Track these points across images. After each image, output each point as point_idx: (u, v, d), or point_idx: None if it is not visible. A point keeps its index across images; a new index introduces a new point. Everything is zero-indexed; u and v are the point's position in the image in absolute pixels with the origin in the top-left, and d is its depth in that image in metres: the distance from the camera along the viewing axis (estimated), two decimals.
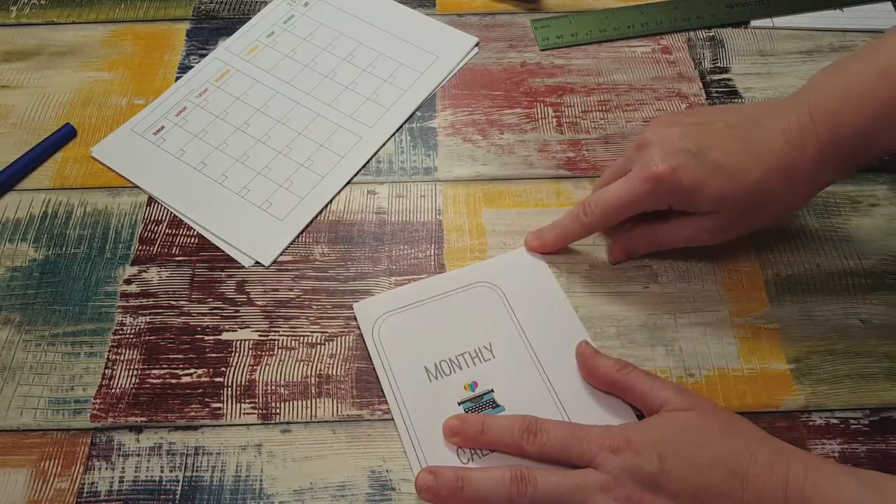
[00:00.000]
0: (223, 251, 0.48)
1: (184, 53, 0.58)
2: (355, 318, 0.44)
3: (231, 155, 0.52)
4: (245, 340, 0.44)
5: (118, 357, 0.43)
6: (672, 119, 0.44)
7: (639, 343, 0.44)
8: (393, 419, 0.41)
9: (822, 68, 0.41)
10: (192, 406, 0.42)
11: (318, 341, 0.44)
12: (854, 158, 0.40)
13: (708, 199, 0.41)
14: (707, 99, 0.55)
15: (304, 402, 0.42)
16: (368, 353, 0.43)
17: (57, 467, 0.40)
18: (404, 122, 0.54)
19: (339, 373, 0.43)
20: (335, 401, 0.42)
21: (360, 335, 0.44)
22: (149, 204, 0.50)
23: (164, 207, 0.50)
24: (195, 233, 0.49)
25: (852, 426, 0.41)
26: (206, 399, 0.42)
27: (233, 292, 0.46)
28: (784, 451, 0.35)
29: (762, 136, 0.40)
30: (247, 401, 0.42)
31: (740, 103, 0.54)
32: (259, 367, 0.43)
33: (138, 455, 0.40)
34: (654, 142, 0.42)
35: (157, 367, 0.43)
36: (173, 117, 0.54)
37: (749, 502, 0.33)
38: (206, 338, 0.44)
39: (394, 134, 0.53)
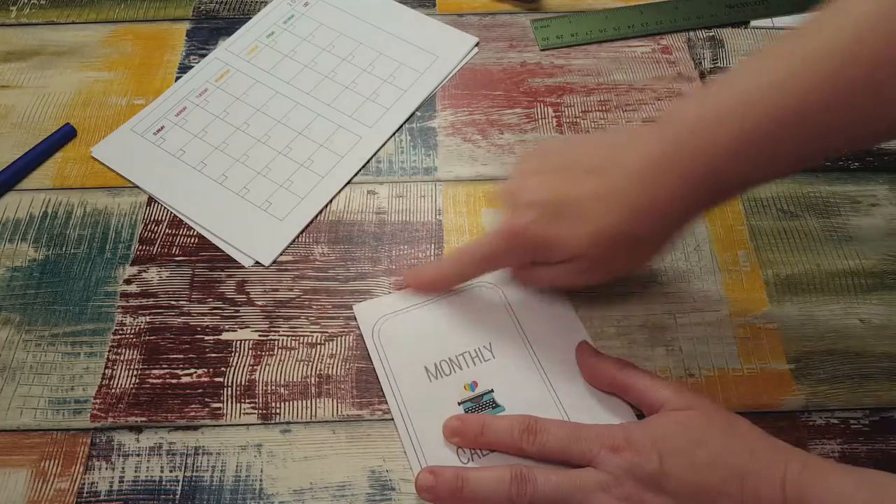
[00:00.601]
0: (223, 251, 0.48)
1: (184, 53, 0.58)
2: (355, 319, 0.44)
3: (231, 155, 0.52)
4: (245, 340, 0.44)
5: (118, 357, 0.43)
6: (534, 165, 0.42)
7: (639, 343, 0.44)
8: (393, 419, 0.41)
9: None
10: (192, 406, 0.42)
11: (318, 341, 0.44)
12: (717, 193, 0.37)
13: (564, 250, 0.39)
14: None
15: (304, 402, 0.42)
16: (368, 354, 0.43)
17: (57, 467, 0.40)
18: (404, 122, 0.54)
19: (339, 373, 0.43)
20: (335, 401, 0.42)
21: (360, 335, 0.44)
22: (149, 204, 0.50)
23: (164, 207, 0.50)
24: (195, 233, 0.49)
25: (852, 426, 0.41)
26: (206, 399, 0.42)
27: (233, 292, 0.46)
28: (783, 451, 0.35)
29: (620, 175, 0.37)
30: (247, 401, 0.42)
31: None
32: (259, 367, 0.43)
33: (138, 455, 0.40)
34: (513, 194, 0.41)
35: (157, 367, 0.43)
36: (173, 117, 0.54)
37: (748, 501, 0.33)
38: (206, 338, 0.44)
39: (394, 134, 0.53)
